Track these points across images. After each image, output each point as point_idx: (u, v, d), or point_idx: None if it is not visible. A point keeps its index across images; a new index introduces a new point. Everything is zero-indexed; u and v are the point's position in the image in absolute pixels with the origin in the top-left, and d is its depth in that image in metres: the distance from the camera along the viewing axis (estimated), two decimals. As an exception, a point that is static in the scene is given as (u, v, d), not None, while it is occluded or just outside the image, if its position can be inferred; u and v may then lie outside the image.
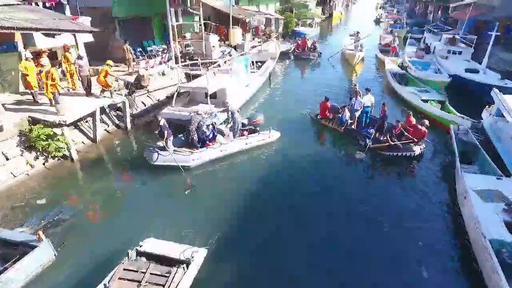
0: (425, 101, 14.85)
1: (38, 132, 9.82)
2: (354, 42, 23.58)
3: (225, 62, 20.15)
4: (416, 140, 10.97)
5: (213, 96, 13.09)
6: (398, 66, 21.28)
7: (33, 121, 10.22)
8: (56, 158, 10.51)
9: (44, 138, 9.92)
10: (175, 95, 13.14)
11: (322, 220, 8.50)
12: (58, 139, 10.25)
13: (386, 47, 27.40)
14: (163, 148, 10.63)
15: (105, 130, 12.74)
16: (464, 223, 7.98)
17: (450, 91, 16.53)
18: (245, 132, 11.89)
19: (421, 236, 7.87)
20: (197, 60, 16.21)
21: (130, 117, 13.38)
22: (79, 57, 12.41)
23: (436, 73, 18.93)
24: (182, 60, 19.12)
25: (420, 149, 10.98)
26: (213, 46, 19.04)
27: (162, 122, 10.48)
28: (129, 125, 13.20)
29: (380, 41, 28.62)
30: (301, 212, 8.74)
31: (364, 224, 8.33)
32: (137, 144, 12.53)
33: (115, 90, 14.41)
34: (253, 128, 12.01)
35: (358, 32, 23.65)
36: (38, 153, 10.19)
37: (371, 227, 8.21)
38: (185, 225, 8.04)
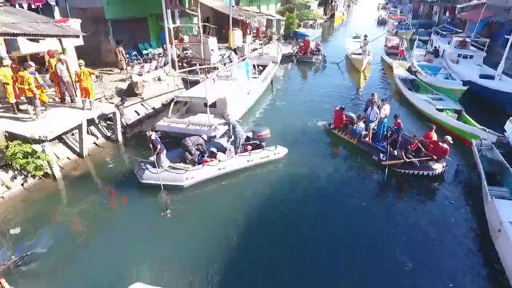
0: (440, 110, 13.79)
1: (15, 150, 8.75)
2: (362, 47, 22.45)
3: (224, 64, 19.15)
4: (435, 158, 9.92)
5: (213, 105, 12.01)
6: (406, 70, 20.25)
7: (10, 137, 9.15)
8: (37, 177, 9.45)
9: (22, 156, 8.85)
10: (171, 105, 12.04)
11: (330, 253, 7.44)
12: (39, 156, 9.17)
13: (392, 49, 26.35)
14: (155, 165, 9.61)
15: (94, 143, 11.67)
16: (499, 258, 6.95)
17: (463, 99, 15.45)
18: (249, 147, 10.81)
19: (445, 270, 6.85)
20: (195, 65, 15.14)
21: (122, 129, 12.31)
22: (60, 61, 11.37)
23: (447, 78, 17.85)
24: (179, 64, 18.08)
25: (443, 167, 9.91)
26: (212, 50, 17.96)
27: (154, 136, 9.47)
28: (120, 137, 12.12)
29: (385, 43, 27.53)
30: (308, 242, 7.72)
31: (376, 256, 7.29)
32: (129, 158, 11.42)
33: (106, 99, 13.45)
34: (258, 143, 10.94)
35: (366, 36, 22.55)
36: (16, 172, 9.13)
37: (384, 260, 7.19)
38: (177, 260, 7.01)
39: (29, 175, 9.28)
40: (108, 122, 12.49)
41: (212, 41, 18.02)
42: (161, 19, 19.91)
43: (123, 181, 10.01)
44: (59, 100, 11.62)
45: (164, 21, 16.02)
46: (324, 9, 51.56)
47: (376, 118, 11.37)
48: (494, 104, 15.24)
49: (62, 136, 10.71)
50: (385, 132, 11.62)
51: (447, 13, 32.52)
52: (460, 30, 24.69)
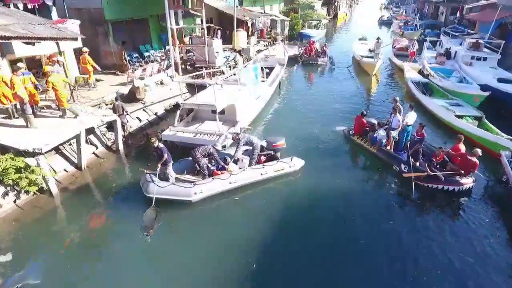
0: (459, 117, 13.01)
1: (6, 165, 7.96)
2: (374, 50, 21.63)
3: (229, 67, 18.38)
4: (463, 172, 9.14)
5: (221, 112, 11.22)
6: (418, 73, 19.47)
7: (1, 149, 8.35)
8: (31, 193, 8.66)
9: (14, 171, 8.06)
10: (178, 114, 11.24)
11: (351, 278, 6.68)
12: (33, 170, 8.39)
13: (401, 51, 25.61)
14: (161, 177, 8.92)
15: (93, 153, 10.88)
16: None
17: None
18: (263, 158, 10.03)
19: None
20: (199, 68, 14.35)
21: (123, 138, 11.53)
22: (58, 62, 10.63)
23: (462, 82, 17.11)
24: (183, 67, 17.31)
25: (473, 181, 9.11)
26: (217, 52, 17.18)
27: (161, 145, 8.79)
28: (121, 147, 11.34)
29: (394, 45, 26.77)
30: (327, 264, 6.97)
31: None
32: (131, 170, 10.64)
33: (106, 104, 12.67)
34: (272, 153, 10.15)
35: (378, 38, 21.74)
36: (8, 189, 8.34)
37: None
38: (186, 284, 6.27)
39: (23, 191, 8.49)
40: (108, 130, 11.71)
41: (217, 43, 17.25)
42: (162, 20, 19.20)
43: (126, 195, 9.25)
44: (57, 107, 10.87)
45: (167, 22, 15.28)
46: (327, 9, 50.81)
47: (398, 126, 10.60)
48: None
49: (59, 146, 9.92)
50: (408, 142, 10.85)
51: (458, 14, 31.70)
52: (473, 32, 23.91)
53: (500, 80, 15.84)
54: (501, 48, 19.36)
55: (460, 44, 21.95)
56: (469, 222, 8.31)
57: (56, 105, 11.15)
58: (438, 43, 26.04)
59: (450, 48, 21.91)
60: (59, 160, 9.87)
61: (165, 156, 8.72)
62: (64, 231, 7.98)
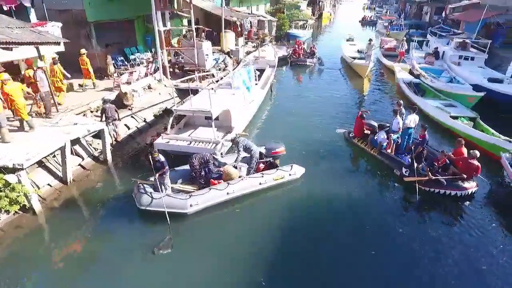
0: (454, 118, 12.94)
1: (-17, 183, 7.25)
2: (367, 51, 21.49)
3: (219, 69, 17.85)
4: (466, 176, 8.96)
5: (215, 118, 10.72)
6: (408, 73, 19.46)
7: (-22, 166, 7.62)
8: (12, 213, 7.94)
9: (-8, 190, 7.36)
10: (170, 121, 10.66)
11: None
12: (13, 188, 7.68)
13: (389, 51, 25.65)
14: (156, 188, 8.41)
15: (79, 165, 10.18)
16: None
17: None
18: (261, 165, 9.59)
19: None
20: (191, 72, 13.79)
21: (111, 147, 10.88)
22: (40, 69, 9.92)
23: (452, 82, 17.16)
24: (171, 70, 16.68)
25: (476, 185, 8.94)
26: (207, 55, 16.62)
27: (162, 158, 8.37)
28: (109, 157, 10.68)
29: (381, 45, 26.80)
30: (329, 278, 6.61)
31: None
32: (121, 180, 10.03)
33: (91, 112, 11.96)
34: (271, 160, 9.73)
35: (371, 40, 21.61)
36: (-14, 209, 7.62)
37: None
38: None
39: (2, 210, 7.77)
40: (94, 138, 11.02)
41: (207, 45, 16.68)
42: (148, 21, 18.49)
43: (117, 208, 8.69)
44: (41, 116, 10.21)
45: (154, 23, 14.65)
46: (312, 9, 50.82)
47: (399, 129, 10.38)
48: (504, 110, 14.53)
49: (41, 159, 9.19)
50: (410, 144, 10.65)
51: (444, 14, 32.09)
52: (459, 31, 24.17)
53: (491, 80, 15.91)
54: (487, 48, 19.58)
55: (448, 44, 22.13)
56: (473, 227, 8.09)
57: (36, 114, 10.47)
58: (425, 43, 26.26)
59: (438, 48, 22.05)
60: (41, 174, 9.15)
61: (166, 168, 8.34)
62: (50, 252, 7.32)
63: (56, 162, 9.59)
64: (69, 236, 7.73)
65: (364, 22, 54.54)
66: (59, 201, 8.79)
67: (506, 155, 9.73)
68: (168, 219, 7.64)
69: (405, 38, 26.32)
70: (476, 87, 15.57)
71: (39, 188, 8.69)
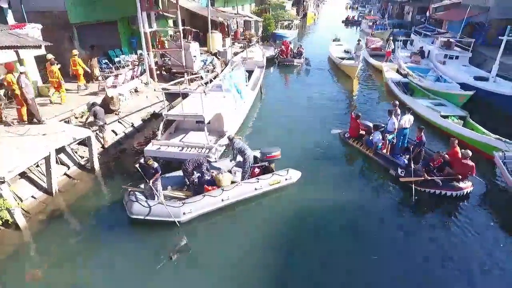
0: (445, 117, 13.03)
1: (-39, 199, 6.72)
2: (356, 52, 21.51)
3: (207, 71, 17.48)
4: (461, 176, 8.96)
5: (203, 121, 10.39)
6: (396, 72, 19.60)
7: (-45, 180, 7.07)
8: (-6, 228, 7.43)
9: (-29, 206, 6.84)
10: (161, 126, 10.26)
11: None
12: (-6, 202, 7.17)
13: (375, 51, 25.84)
14: (147, 196, 8.16)
15: (65, 174, 9.67)
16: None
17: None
18: (256, 170, 9.34)
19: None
20: (179, 75, 13.40)
21: (98, 154, 10.40)
22: (23, 73, 9.38)
23: (439, 80, 17.38)
24: (158, 73, 16.23)
25: (471, 185, 8.95)
26: (195, 56, 16.23)
27: (155, 164, 8.09)
28: (97, 165, 10.20)
29: (367, 45, 26.98)
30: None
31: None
32: (110, 189, 9.58)
33: (76, 118, 11.43)
34: (267, 165, 9.49)
35: (359, 40, 21.64)
36: (-35, 226, 7.08)
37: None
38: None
39: (-17, 227, 7.26)
40: (80, 146, 10.51)
41: (194, 46, 16.29)
42: (132, 22, 17.96)
43: (107, 220, 8.27)
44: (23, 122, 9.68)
45: (140, 25, 14.16)
46: (297, 9, 50.93)
47: (394, 129, 10.33)
48: (491, 108, 14.79)
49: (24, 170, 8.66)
50: (406, 145, 10.62)
51: (428, 13, 32.63)
52: (443, 31, 24.57)
53: (477, 78, 16.16)
54: (471, 47, 19.95)
55: (432, 43, 22.44)
56: (469, 227, 8.05)
57: (17, 121, 9.91)
58: (409, 42, 26.57)
59: (423, 47, 22.33)
60: (24, 185, 8.61)
61: (159, 173, 8.08)
62: (36, 270, 6.82)
63: (40, 172, 9.06)
64: (56, 252, 7.27)
65: (348, 22, 55.04)
66: (44, 214, 8.27)
67: (499, 154, 9.79)
68: (177, 223, 7.54)
69: (391, 38, 26.56)
70: (463, 86, 15.81)
71: (22, 201, 8.17)
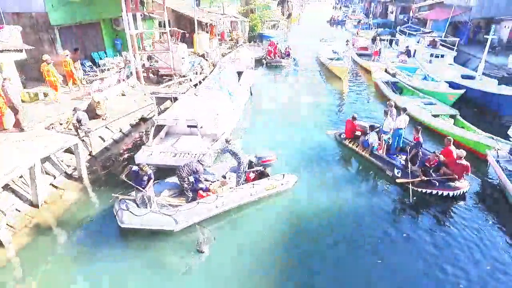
0: (435, 116, 13.12)
1: None
2: (345, 52, 21.53)
3: (196, 73, 17.12)
4: (457, 176, 8.98)
5: (196, 125, 10.08)
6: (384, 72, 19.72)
7: None
8: (-25, 246, 6.93)
9: (-50, 223, 6.34)
10: (152, 132, 9.88)
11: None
12: (-25, 218, 6.69)
13: (362, 50, 26.01)
14: (139, 204, 7.83)
15: (51, 184, 9.17)
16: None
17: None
18: (251, 175, 9.10)
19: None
20: (167, 77, 13.00)
21: (86, 162, 9.94)
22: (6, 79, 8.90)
23: (426, 79, 17.57)
24: (145, 75, 15.78)
25: (467, 185, 8.97)
26: (183, 58, 15.85)
27: (150, 170, 7.93)
28: (85, 174, 9.74)
29: (354, 44, 27.12)
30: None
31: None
32: (99, 198, 9.16)
33: (60, 124, 10.92)
34: (262, 169, 9.26)
35: (348, 41, 21.69)
36: None
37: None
38: None
39: (-37, 245, 6.75)
40: (67, 153, 10.02)
41: (183, 48, 15.91)
42: (116, 24, 17.44)
43: (97, 231, 7.91)
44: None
45: (125, 26, 13.70)
46: (282, 9, 50.85)
47: (390, 130, 10.28)
48: (477, 106, 15.03)
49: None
50: (401, 145, 10.59)
51: (411, 13, 33.14)
52: (428, 30, 24.94)
53: (464, 77, 16.39)
54: (456, 46, 20.30)
55: (418, 42, 22.73)
56: (465, 226, 8.11)
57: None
58: (394, 41, 26.88)
59: (409, 46, 22.59)
60: (8, 198, 8.09)
61: (152, 181, 7.91)
62: (24, 290, 6.43)
63: (24, 183, 8.57)
64: (44, 269, 6.86)
65: (333, 22, 55.41)
66: (30, 228, 7.80)
67: (492, 152, 9.87)
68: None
69: (379, 37, 26.82)
70: (451, 84, 15.99)
71: (5, 215, 7.67)
